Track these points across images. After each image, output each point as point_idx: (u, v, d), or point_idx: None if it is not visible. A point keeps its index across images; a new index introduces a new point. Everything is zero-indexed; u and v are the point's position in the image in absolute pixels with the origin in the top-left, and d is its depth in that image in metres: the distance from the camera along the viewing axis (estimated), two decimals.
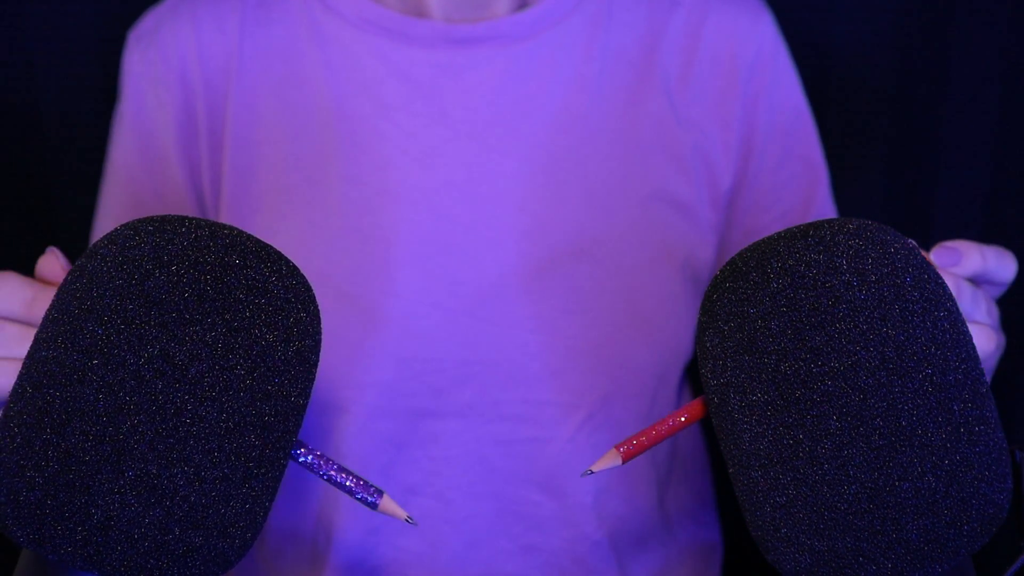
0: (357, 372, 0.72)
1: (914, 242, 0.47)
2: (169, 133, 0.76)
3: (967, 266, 0.53)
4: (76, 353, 0.41)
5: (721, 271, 0.47)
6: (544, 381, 0.72)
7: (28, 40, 0.92)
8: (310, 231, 0.72)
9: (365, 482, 0.46)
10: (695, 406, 0.48)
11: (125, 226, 0.44)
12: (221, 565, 0.43)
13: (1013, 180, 0.97)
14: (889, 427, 0.42)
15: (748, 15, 0.77)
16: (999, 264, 0.54)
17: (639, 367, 0.74)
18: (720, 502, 0.89)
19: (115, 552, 0.41)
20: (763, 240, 0.46)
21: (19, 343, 0.47)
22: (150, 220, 0.44)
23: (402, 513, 0.47)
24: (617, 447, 0.47)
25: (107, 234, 0.44)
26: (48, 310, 0.44)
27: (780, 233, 0.46)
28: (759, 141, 0.78)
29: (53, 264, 0.50)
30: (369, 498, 0.46)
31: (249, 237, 0.44)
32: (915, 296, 0.43)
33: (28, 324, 0.48)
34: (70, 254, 0.51)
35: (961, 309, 0.50)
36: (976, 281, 0.55)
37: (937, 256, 0.53)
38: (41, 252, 0.51)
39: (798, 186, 0.80)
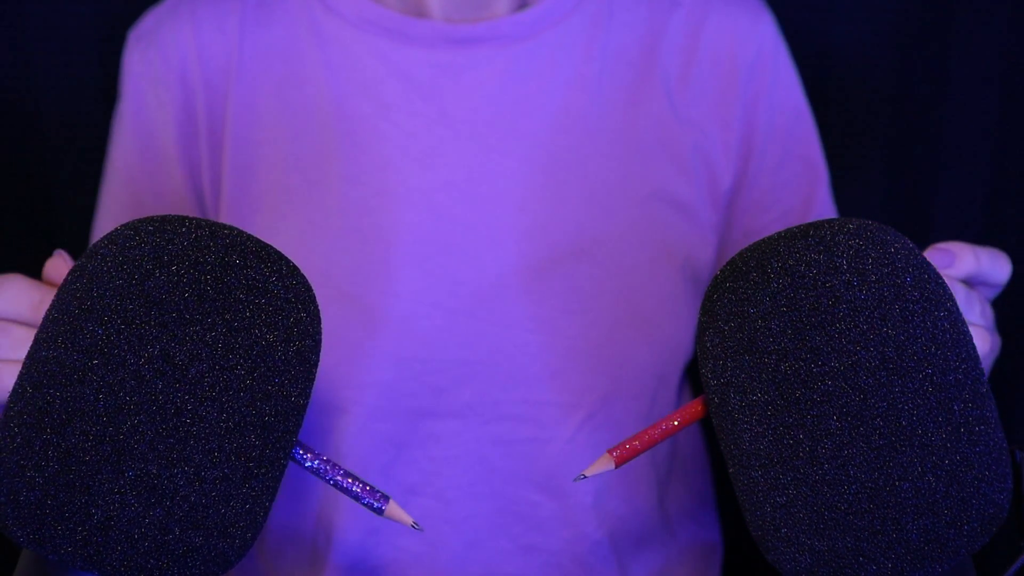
0: (357, 372, 0.72)
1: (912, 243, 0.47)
2: (169, 133, 0.76)
3: (961, 268, 0.53)
4: (76, 353, 0.41)
5: (721, 271, 0.47)
6: (544, 381, 0.72)
7: (28, 40, 0.92)
8: (310, 231, 0.72)
9: (371, 488, 0.46)
10: (689, 409, 0.48)
11: (125, 226, 0.44)
12: (221, 565, 0.43)
13: (1013, 180, 0.97)
14: (889, 427, 0.42)
15: (748, 15, 0.77)
16: (993, 265, 0.54)
17: (639, 367, 0.74)
18: (720, 502, 0.89)
19: (115, 552, 0.41)
20: (763, 240, 0.46)
21: (26, 345, 0.47)
22: (150, 220, 0.44)
23: (408, 519, 0.47)
24: (610, 451, 0.47)
25: (107, 234, 0.44)
26: (48, 310, 0.44)
27: (780, 233, 0.46)
28: (759, 141, 0.78)
29: (60, 267, 0.50)
30: (375, 504, 0.46)
31: (249, 237, 0.44)
32: (915, 296, 0.43)
33: (35, 327, 0.48)
34: (70, 254, 0.51)
35: None
36: (970, 283, 0.55)
37: (930, 258, 0.53)
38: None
39: (798, 186, 0.80)
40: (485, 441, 0.73)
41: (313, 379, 0.45)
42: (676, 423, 0.48)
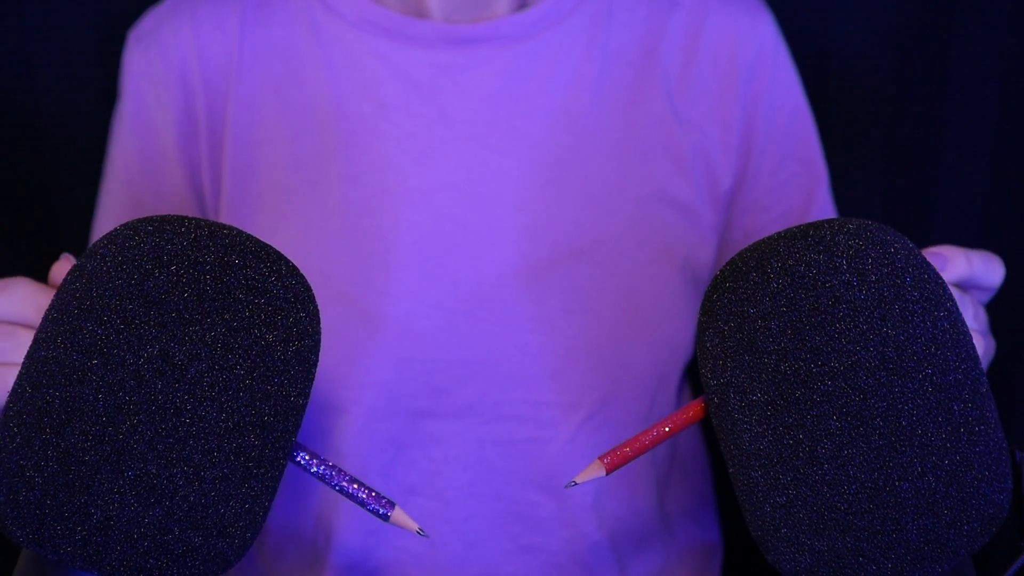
0: (357, 372, 0.72)
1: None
2: (169, 133, 0.76)
3: (953, 272, 0.53)
4: (76, 353, 0.41)
5: (721, 271, 0.47)
6: (544, 381, 0.72)
7: (28, 40, 0.92)
8: (310, 231, 0.72)
9: (377, 494, 0.46)
10: (680, 415, 0.48)
11: (125, 226, 0.44)
12: (221, 565, 0.43)
13: (1013, 180, 0.97)
14: (889, 427, 0.42)
15: (748, 15, 0.77)
16: (986, 269, 0.54)
17: (639, 367, 0.74)
18: (720, 502, 0.89)
19: (115, 552, 0.41)
20: (763, 240, 0.46)
21: None
22: (150, 220, 0.44)
23: (413, 525, 0.47)
24: (601, 458, 0.47)
25: (107, 234, 0.44)
26: (48, 310, 0.44)
27: (780, 233, 0.46)
28: (759, 141, 0.77)
29: (65, 270, 0.50)
30: (381, 510, 0.46)
31: (249, 237, 0.44)
32: (915, 296, 0.43)
33: None
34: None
35: None
36: (963, 286, 0.55)
37: None
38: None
39: (798, 186, 0.80)
40: (485, 441, 0.73)
41: (313, 379, 0.45)
42: (667, 429, 0.48)
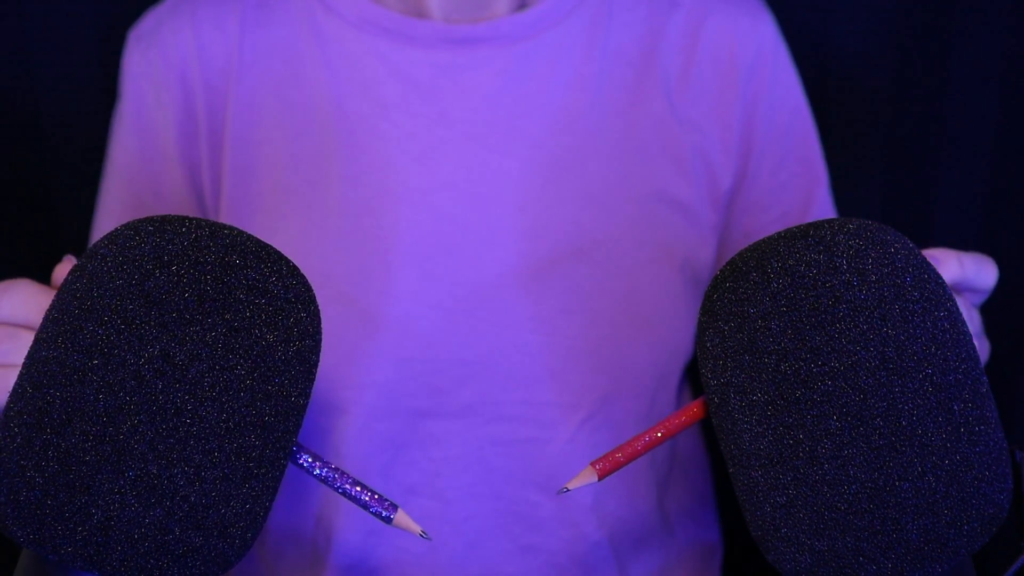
0: (357, 372, 0.72)
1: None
2: (169, 133, 0.76)
3: (945, 274, 0.53)
4: (76, 353, 0.41)
5: (721, 271, 0.47)
6: (544, 381, 0.72)
7: (28, 40, 0.92)
8: (310, 231, 0.72)
9: (380, 496, 0.46)
10: (673, 420, 0.48)
11: (125, 226, 0.44)
12: (221, 565, 0.43)
13: (1013, 180, 0.97)
14: (889, 427, 0.42)
15: (748, 15, 0.77)
16: (978, 271, 0.54)
17: (639, 367, 0.74)
18: (720, 502, 0.89)
19: (115, 552, 0.41)
20: (763, 240, 0.46)
21: None
22: (150, 220, 0.44)
23: (416, 528, 0.47)
24: (593, 464, 0.47)
25: (107, 234, 0.44)
26: (48, 310, 0.44)
27: (780, 233, 0.46)
28: (759, 141, 0.78)
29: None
30: (384, 512, 0.46)
31: (249, 237, 0.44)
32: (915, 296, 0.43)
33: None
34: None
35: None
36: (956, 289, 0.55)
37: None
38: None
39: (798, 187, 0.80)
40: (485, 441, 0.73)
41: (313, 379, 0.45)
42: (660, 434, 0.48)
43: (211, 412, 0.41)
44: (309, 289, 0.45)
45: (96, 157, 0.85)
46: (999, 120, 0.96)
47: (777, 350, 0.43)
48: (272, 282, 0.43)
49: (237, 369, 0.42)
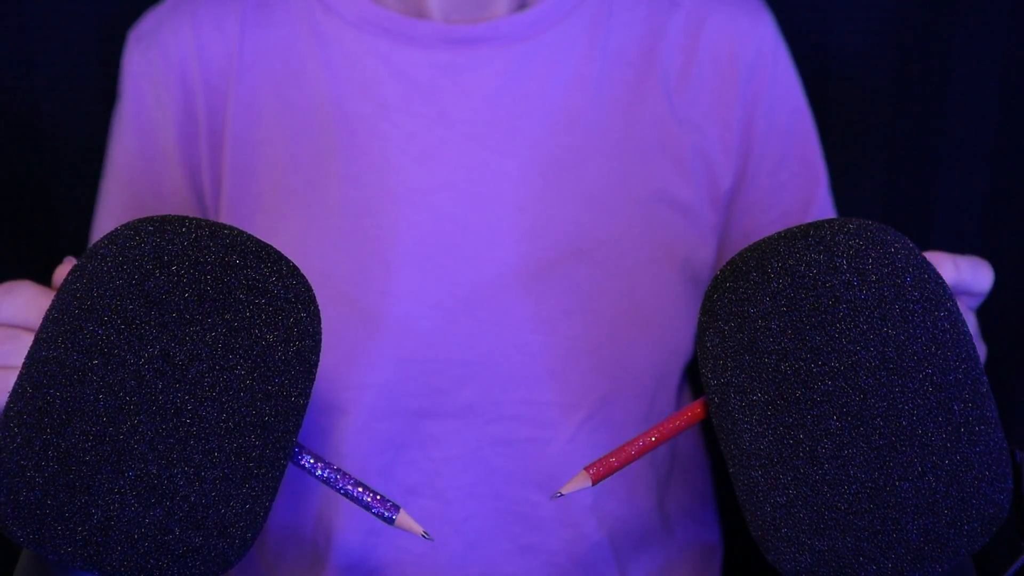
0: (357, 372, 0.72)
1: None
2: (169, 133, 0.76)
3: None
4: (76, 353, 0.41)
5: (721, 271, 0.47)
6: (544, 381, 0.72)
7: (28, 40, 0.92)
8: (310, 231, 0.72)
9: (382, 497, 0.46)
10: (667, 425, 0.48)
11: (125, 226, 0.44)
12: (221, 565, 0.43)
13: (1013, 180, 0.97)
14: (889, 427, 0.42)
15: (748, 15, 0.77)
16: (974, 275, 0.54)
17: (639, 367, 0.74)
18: (720, 502, 0.89)
19: (115, 552, 0.41)
20: (763, 240, 0.46)
21: None
22: (150, 220, 0.44)
23: (419, 529, 0.47)
24: (587, 469, 0.47)
25: (107, 234, 0.44)
26: (48, 310, 0.44)
27: (780, 233, 0.46)
28: (758, 142, 0.77)
29: None
30: (386, 513, 0.46)
31: (249, 237, 0.44)
32: (915, 296, 0.43)
33: None
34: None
35: None
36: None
37: None
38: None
39: (797, 187, 0.80)
40: (485, 441, 0.73)
41: (313, 379, 0.45)
42: (654, 439, 0.48)
43: (211, 412, 0.41)
44: (309, 289, 0.45)
45: (96, 157, 0.85)
46: (999, 120, 0.96)
47: (777, 350, 0.43)
48: (272, 282, 0.43)
49: (237, 369, 0.42)
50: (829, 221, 0.45)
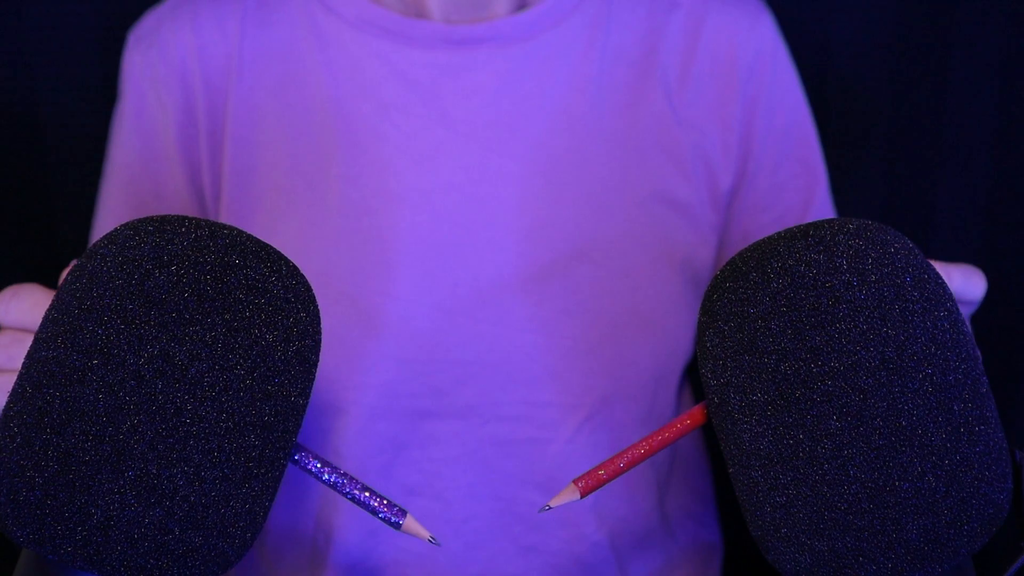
0: (357, 373, 0.72)
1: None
2: (169, 133, 0.76)
3: None
4: (76, 353, 0.41)
5: (721, 271, 0.47)
6: (544, 382, 0.72)
7: (28, 40, 0.92)
8: (310, 231, 0.72)
9: (389, 502, 0.46)
10: (655, 437, 0.48)
11: (125, 226, 0.44)
12: (221, 565, 0.43)
13: (1013, 180, 0.97)
14: (889, 427, 0.42)
15: (748, 16, 0.77)
16: (966, 283, 0.54)
17: (639, 368, 0.74)
18: (720, 502, 0.89)
19: (115, 552, 0.41)
20: (763, 240, 0.46)
21: None
22: (150, 220, 0.44)
23: (425, 533, 0.47)
24: (576, 481, 0.48)
25: (107, 234, 0.44)
26: (48, 310, 0.44)
27: (780, 233, 0.46)
28: (758, 142, 0.77)
29: None
30: (393, 518, 0.46)
31: (249, 237, 0.44)
32: (915, 296, 0.43)
33: None
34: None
35: None
36: None
37: None
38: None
39: (797, 187, 0.80)
40: (485, 442, 0.73)
41: (313, 379, 0.45)
42: (643, 451, 0.48)
43: (211, 412, 0.41)
44: (309, 289, 0.45)
45: (96, 157, 0.85)
46: (999, 120, 0.96)
47: (777, 350, 0.43)
48: (272, 282, 0.43)
49: (237, 369, 0.42)
50: (829, 221, 0.45)
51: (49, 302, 0.48)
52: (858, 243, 0.44)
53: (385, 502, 0.46)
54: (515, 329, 0.72)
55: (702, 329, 0.46)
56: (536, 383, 0.72)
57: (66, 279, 0.44)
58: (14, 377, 0.46)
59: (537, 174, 0.73)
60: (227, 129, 0.74)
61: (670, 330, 0.75)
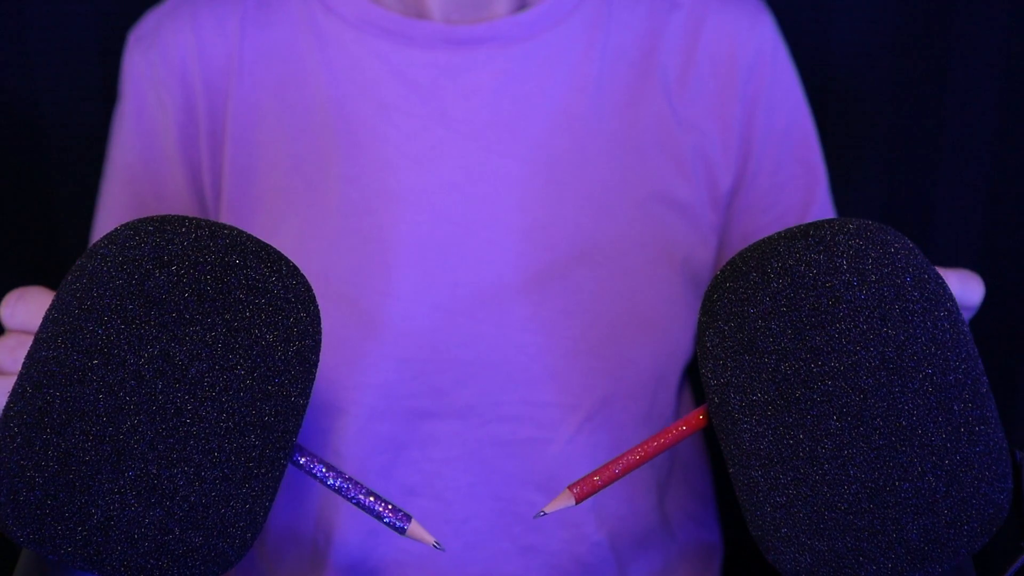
0: (357, 373, 0.72)
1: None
2: (170, 133, 0.76)
3: None
4: (76, 353, 0.41)
5: (721, 271, 0.47)
6: (544, 382, 0.72)
7: (28, 40, 0.92)
8: (310, 231, 0.72)
9: (394, 507, 0.46)
10: (650, 443, 0.48)
11: (125, 226, 0.44)
12: (221, 565, 0.43)
13: (1013, 180, 0.97)
14: (889, 427, 0.42)
15: (747, 16, 0.77)
16: (963, 289, 0.54)
17: (639, 368, 0.74)
18: (720, 502, 0.89)
19: (115, 552, 0.41)
20: (763, 240, 0.46)
21: None
22: (150, 220, 0.44)
23: (430, 539, 0.47)
24: (570, 488, 0.48)
25: (107, 234, 0.44)
26: (48, 310, 0.44)
27: (780, 233, 0.46)
28: (758, 142, 0.77)
29: None
30: (397, 523, 0.46)
31: (249, 237, 0.44)
32: (915, 296, 0.43)
33: None
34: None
35: None
36: None
37: None
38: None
39: (797, 187, 0.80)
40: (485, 442, 0.73)
41: (313, 379, 0.45)
42: (638, 457, 0.48)
43: (211, 412, 0.41)
44: (309, 289, 0.45)
45: (96, 157, 0.85)
46: (999, 120, 0.96)
47: (777, 350, 0.43)
48: (272, 282, 0.43)
49: (237, 369, 0.42)
50: (829, 221, 0.45)
51: None
52: (858, 243, 0.44)
53: (390, 507, 0.46)
54: (515, 329, 0.72)
55: (702, 329, 0.46)
56: (536, 383, 0.72)
57: (66, 279, 0.44)
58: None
59: (537, 174, 0.73)
60: (227, 129, 0.74)
61: (670, 330, 0.75)
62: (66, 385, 0.41)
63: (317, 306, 0.45)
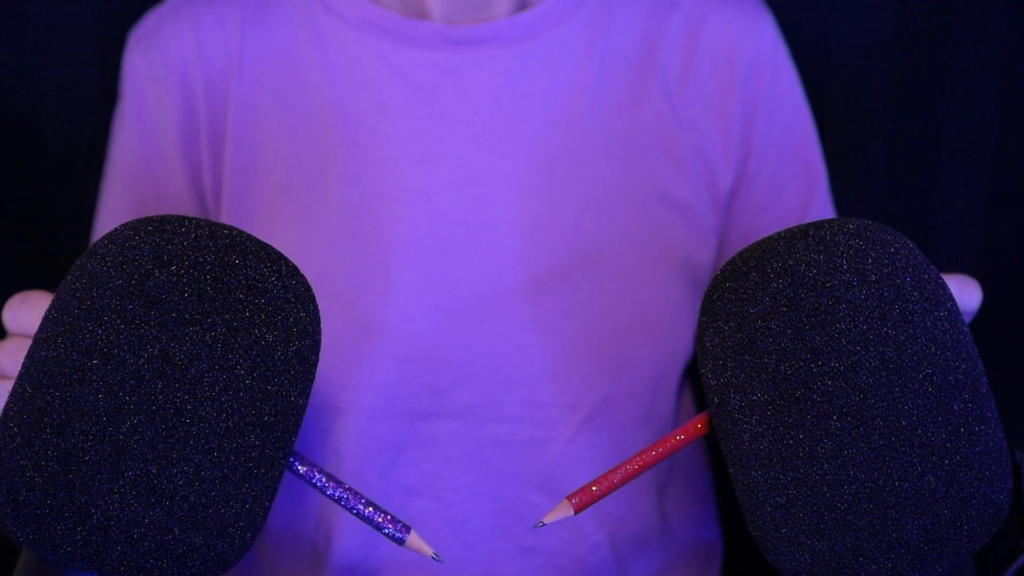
0: (357, 373, 0.72)
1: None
2: (170, 133, 0.76)
3: None
4: (76, 353, 0.41)
5: (721, 271, 0.47)
6: (544, 382, 0.72)
7: (28, 40, 0.92)
8: (310, 232, 0.72)
9: (393, 517, 0.46)
10: (647, 453, 0.48)
11: (125, 226, 0.44)
12: (221, 565, 0.43)
13: (1013, 180, 0.97)
14: (889, 427, 0.42)
15: (747, 16, 0.77)
16: (961, 293, 0.53)
17: (639, 368, 0.74)
18: (720, 502, 0.89)
19: (115, 552, 0.41)
20: (763, 240, 0.46)
21: None
22: (150, 220, 0.44)
23: (428, 550, 0.47)
24: (569, 498, 0.48)
25: (107, 234, 0.44)
26: (48, 310, 0.44)
27: (780, 233, 0.46)
28: (758, 142, 0.77)
29: None
30: (397, 534, 0.46)
31: (249, 237, 0.44)
32: (915, 296, 0.43)
33: None
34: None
35: None
36: None
37: None
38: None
39: (797, 188, 0.80)
40: (485, 442, 0.73)
41: (313, 379, 0.45)
42: (636, 467, 0.48)
43: (211, 412, 0.41)
44: (309, 289, 0.45)
45: (96, 157, 0.85)
46: (999, 120, 0.96)
47: (777, 350, 0.43)
48: (272, 282, 0.43)
49: (237, 369, 0.42)
50: (829, 221, 0.45)
51: None
52: (858, 243, 0.44)
53: (389, 517, 0.46)
54: (515, 329, 0.72)
55: (702, 329, 0.46)
56: (536, 383, 0.72)
57: (66, 279, 0.44)
58: None
59: (537, 175, 0.73)
60: (227, 129, 0.74)
61: (670, 331, 0.75)
62: (66, 385, 0.41)
63: (317, 306, 0.45)
